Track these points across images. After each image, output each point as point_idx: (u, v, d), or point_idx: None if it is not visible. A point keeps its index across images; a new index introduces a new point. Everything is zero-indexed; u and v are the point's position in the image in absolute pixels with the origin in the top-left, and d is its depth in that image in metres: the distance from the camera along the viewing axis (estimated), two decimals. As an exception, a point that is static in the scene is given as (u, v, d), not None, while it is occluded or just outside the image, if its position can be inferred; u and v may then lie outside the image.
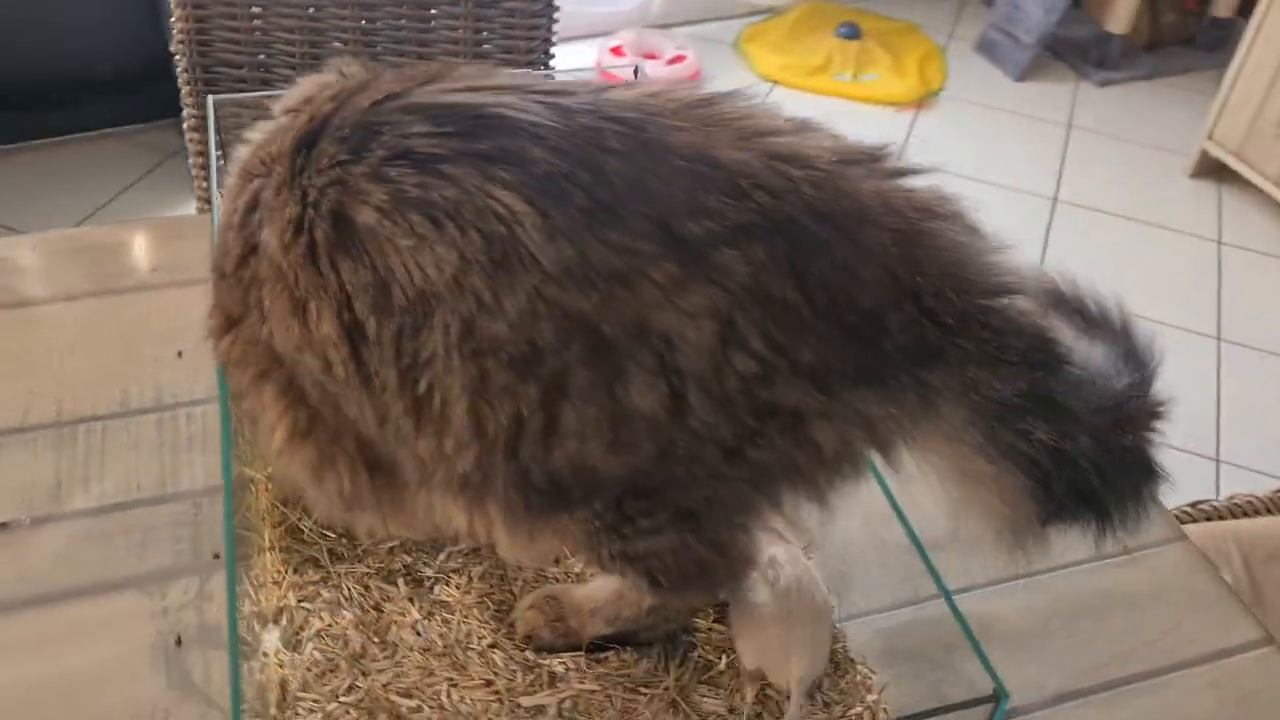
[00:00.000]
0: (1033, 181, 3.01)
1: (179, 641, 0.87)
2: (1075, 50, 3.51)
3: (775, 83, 3.33)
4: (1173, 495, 1.56)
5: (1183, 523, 1.50)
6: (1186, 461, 2.24)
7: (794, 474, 0.68)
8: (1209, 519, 1.52)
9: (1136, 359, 0.74)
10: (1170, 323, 2.58)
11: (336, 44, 1.51)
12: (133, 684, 0.84)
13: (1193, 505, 1.54)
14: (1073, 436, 0.68)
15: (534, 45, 1.50)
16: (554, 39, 1.52)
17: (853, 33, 3.43)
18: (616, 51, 3.27)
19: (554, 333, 0.61)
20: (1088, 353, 0.74)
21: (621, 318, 0.61)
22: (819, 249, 0.63)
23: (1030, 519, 0.70)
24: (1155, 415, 0.74)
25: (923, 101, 3.29)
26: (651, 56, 3.30)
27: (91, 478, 0.99)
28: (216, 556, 0.93)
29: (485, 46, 1.51)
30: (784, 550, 0.86)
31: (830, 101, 3.27)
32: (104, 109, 2.74)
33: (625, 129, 0.63)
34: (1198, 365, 2.51)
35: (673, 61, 3.26)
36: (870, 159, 0.68)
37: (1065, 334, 0.74)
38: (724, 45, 3.49)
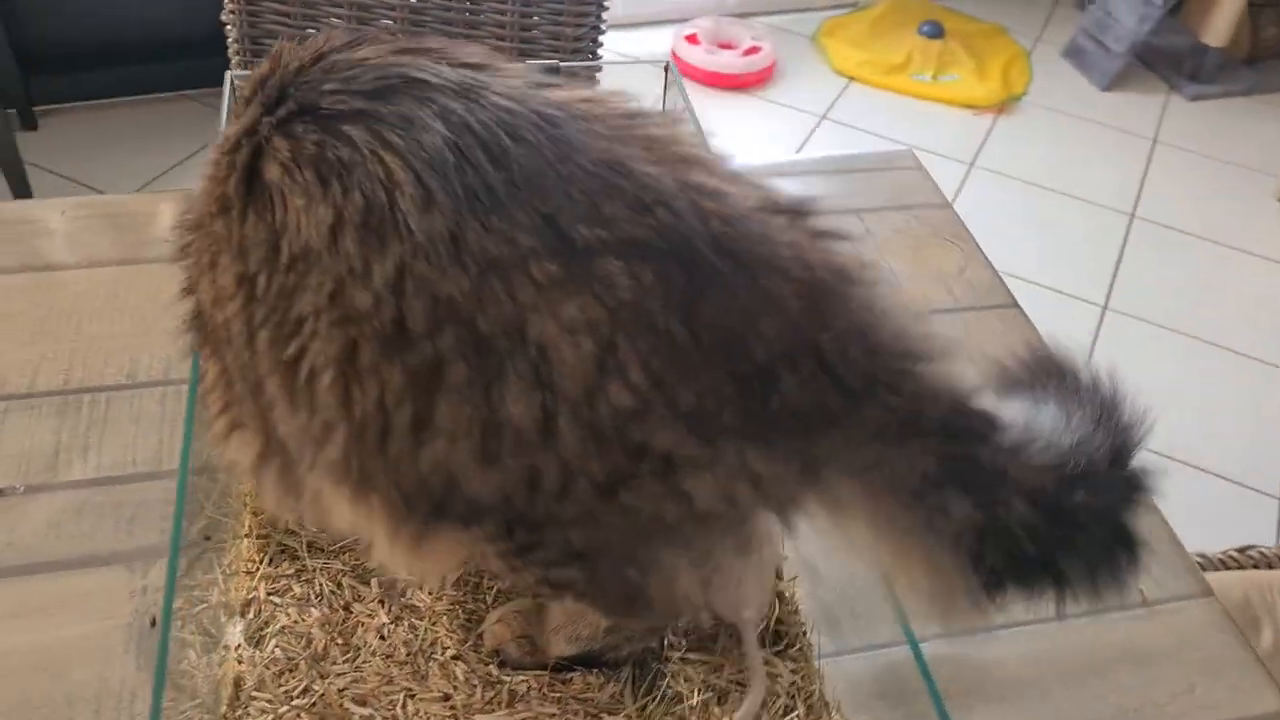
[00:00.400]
0: (1111, 196, 2.91)
1: (154, 623, 0.86)
2: (1168, 61, 3.38)
3: (852, 79, 3.26)
4: (1221, 536, 1.49)
5: (1228, 569, 1.42)
6: (1244, 498, 2.15)
7: (664, 526, 0.63)
8: (1256, 566, 1.44)
9: (1114, 424, 0.68)
10: (1243, 351, 2.48)
11: (386, 21, 1.50)
12: (105, 663, 0.83)
13: (1240, 550, 1.46)
14: (1004, 502, 0.63)
15: (582, 33, 1.47)
16: (603, 27, 1.49)
17: (936, 32, 3.34)
18: (691, 39, 3.23)
19: (424, 315, 0.58)
20: (1034, 412, 0.69)
21: (499, 315, 0.57)
22: (715, 286, 0.58)
23: (962, 590, 0.65)
24: (1134, 484, 0.68)
25: (1003, 106, 3.20)
26: (727, 46, 3.25)
27: (90, 448, 0.99)
28: (208, 538, 0.92)
29: (533, 32, 1.49)
30: None
31: (907, 101, 3.20)
32: (183, 70, 2.77)
33: (540, 121, 0.60)
34: (1269, 397, 2.40)
35: (748, 52, 3.21)
36: (796, 212, 0.64)
37: (1017, 398, 0.70)
38: (802, 38, 3.42)
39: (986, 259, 1.28)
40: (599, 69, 1.40)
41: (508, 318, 0.57)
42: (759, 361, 0.59)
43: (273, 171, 0.60)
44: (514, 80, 0.63)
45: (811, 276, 0.60)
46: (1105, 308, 2.56)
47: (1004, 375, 0.74)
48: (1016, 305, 1.23)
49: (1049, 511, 0.63)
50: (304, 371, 0.61)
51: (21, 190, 2.36)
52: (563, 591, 0.69)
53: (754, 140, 2.97)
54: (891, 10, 3.47)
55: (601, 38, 1.50)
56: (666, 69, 1.09)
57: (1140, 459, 0.69)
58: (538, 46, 1.48)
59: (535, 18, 1.49)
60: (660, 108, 1.15)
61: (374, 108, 0.59)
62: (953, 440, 0.62)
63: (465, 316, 0.57)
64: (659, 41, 3.28)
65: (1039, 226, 2.78)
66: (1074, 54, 3.41)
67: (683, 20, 3.31)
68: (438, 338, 0.58)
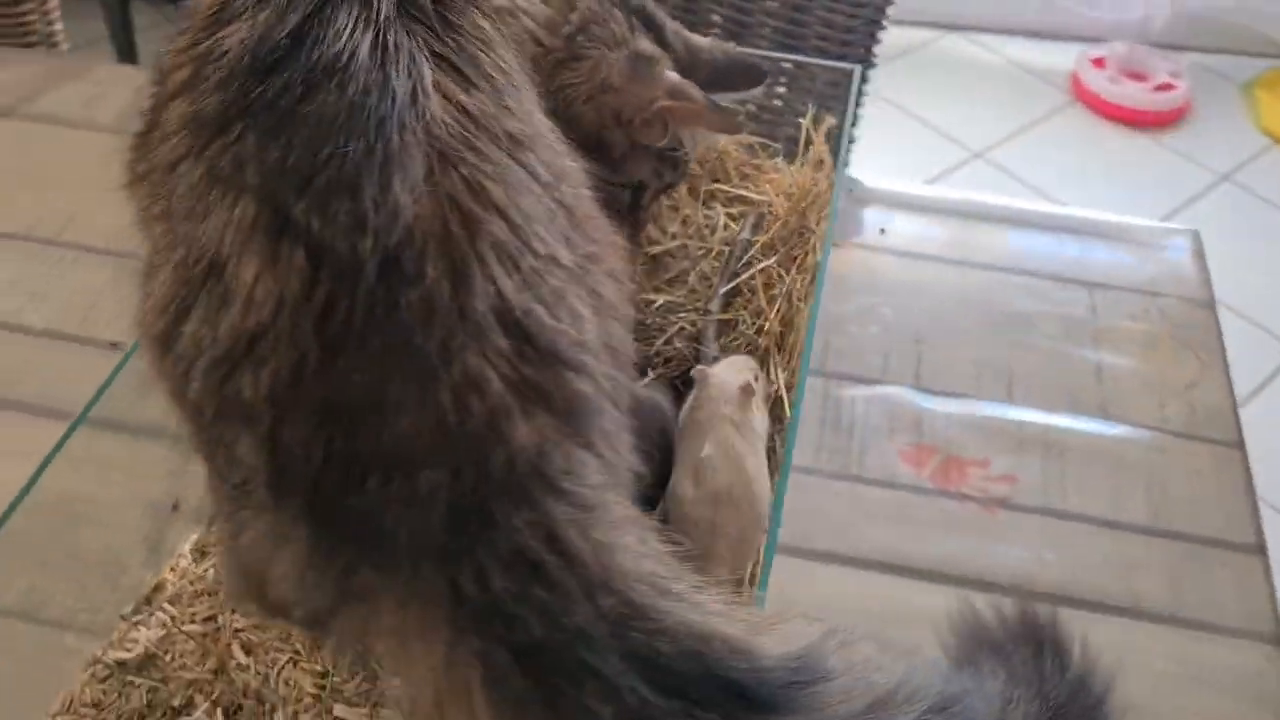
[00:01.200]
0: None
1: (176, 506, 0.89)
2: None
3: (1277, 140, 2.82)
4: None
5: None
6: None
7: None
8: None
9: None
10: None
11: None
12: (117, 530, 0.87)
13: None
14: None
15: (855, 25, 1.34)
16: (884, 22, 1.35)
17: (1402, 105, 2.81)
18: (1098, 63, 2.91)
19: (184, 192, 0.53)
20: (942, 678, 0.50)
21: (211, 235, 0.51)
22: (361, 343, 0.49)
23: None
24: None
25: None
26: (1137, 77, 2.91)
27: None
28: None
29: (807, 16, 1.38)
30: (728, 443, 0.75)
31: (1335, 180, 2.72)
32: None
33: (395, 70, 0.52)
34: None
35: (1160, 88, 2.86)
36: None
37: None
38: (1230, 83, 2.99)
39: (1229, 381, 1.05)
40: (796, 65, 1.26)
41: (213, 242, 0.51)
42: (357, 446, 0.50)
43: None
44: (466, 25, 0.56)
45: (473, 392, 0.50)
46: None
47: (973, 626, 0.57)
48: (1240, 447, 0.99)
49: None
50: (157, 208, 0.57)
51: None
52: None
53: (1134, 188, 2.63)
54: (1353, 71, 2.96)
55: (881, 34, 1.36)
56: (852, 77, 0.95)
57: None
58: (806, 31, 1.36)
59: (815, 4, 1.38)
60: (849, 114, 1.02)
61: None
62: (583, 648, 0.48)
63: (198, 213, 0.52)
64: (1062, 57, 2.99)
65: None
66: None
67: (1094, 40, 2.99)
68: (199, 222, 0.52)
